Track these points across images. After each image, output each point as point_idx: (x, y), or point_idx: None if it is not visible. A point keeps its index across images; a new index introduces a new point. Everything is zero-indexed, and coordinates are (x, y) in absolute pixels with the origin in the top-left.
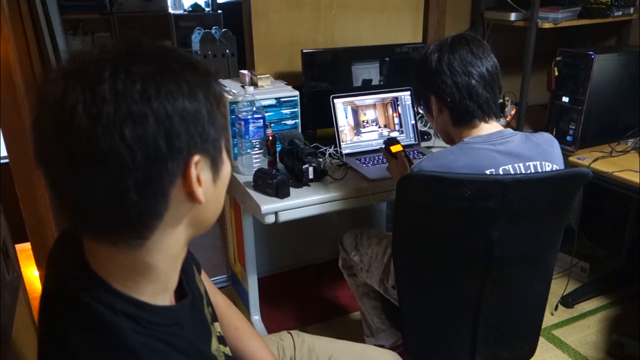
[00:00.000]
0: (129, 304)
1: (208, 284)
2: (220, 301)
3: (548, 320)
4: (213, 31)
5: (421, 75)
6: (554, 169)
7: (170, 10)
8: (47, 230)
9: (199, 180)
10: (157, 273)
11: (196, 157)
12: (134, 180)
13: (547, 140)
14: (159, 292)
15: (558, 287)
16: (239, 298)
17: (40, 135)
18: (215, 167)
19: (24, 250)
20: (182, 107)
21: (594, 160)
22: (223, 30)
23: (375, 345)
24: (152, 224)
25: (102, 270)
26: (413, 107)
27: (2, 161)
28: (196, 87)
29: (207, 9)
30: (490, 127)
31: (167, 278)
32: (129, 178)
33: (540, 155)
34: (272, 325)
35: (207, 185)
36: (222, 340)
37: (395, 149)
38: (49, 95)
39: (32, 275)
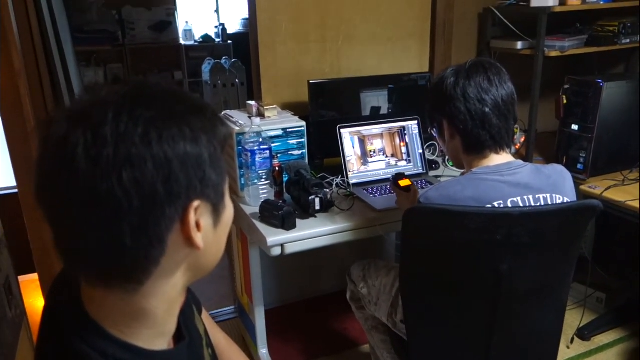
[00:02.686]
0: (123, 350)
1: (208, 322)
2: (221, 339)
3: (564, 353)
4: (223, 61)
5: (435, 98)
6: (565, 202)
7: (182, 42)
8: (54, 261)
9: (198, 225)
10: (153, 318)
11: (196, 203)
12: (129, 225)
13: (559, 172)
14: (156, 337)
15: (574, 319)
16: (246, 330)
17: (41, 173)
18: (216, 212)
19: (32, 281)
20: (182, 151)
21: (605, 189)
22: (233, 60)
23: None
24: (148, 269)
25: (97, 314)
26: (420, 136)
27: (9, 191)
28: (200, 131)
29: (217, 40)
30: (500, 158)
31: (164, 323)
32: (124, 222)
33: (550, 187)
34: (280, 358)
35: (207, 231)
36: None
37: (403, 183)
38: (52, 135)
39: (39, 306)
